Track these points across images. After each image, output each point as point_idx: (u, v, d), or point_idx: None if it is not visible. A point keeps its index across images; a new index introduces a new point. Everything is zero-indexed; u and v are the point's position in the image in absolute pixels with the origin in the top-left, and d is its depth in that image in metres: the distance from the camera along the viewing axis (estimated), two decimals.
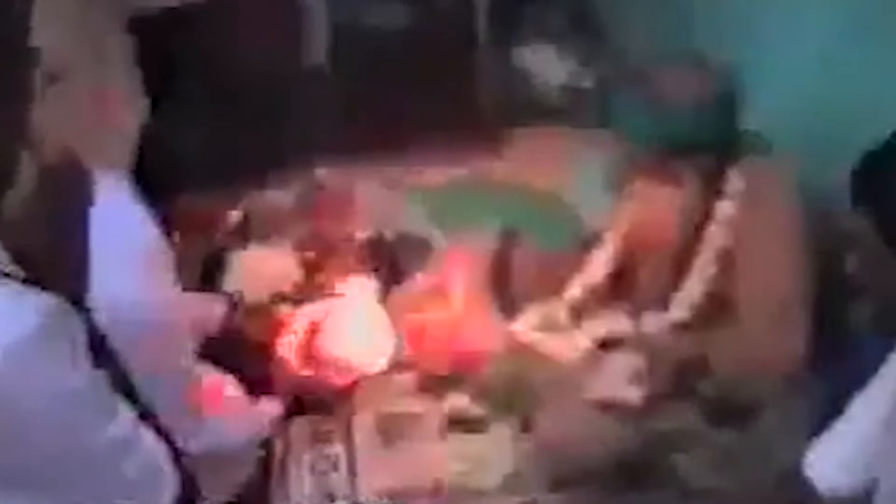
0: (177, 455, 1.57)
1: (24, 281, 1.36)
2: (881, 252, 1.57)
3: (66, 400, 1.38)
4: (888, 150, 1.68)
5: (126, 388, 1.52)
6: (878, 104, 2.53)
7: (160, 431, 1.55)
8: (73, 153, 1.46)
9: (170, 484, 1.54)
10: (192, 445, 2.02)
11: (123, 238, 1.84)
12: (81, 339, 1.41)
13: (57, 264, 1.43)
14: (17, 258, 1.38)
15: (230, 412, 2.42)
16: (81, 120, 2.43)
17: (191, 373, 2.20)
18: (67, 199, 1.44)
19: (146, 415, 1.54)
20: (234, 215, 3.07)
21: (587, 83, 4.16)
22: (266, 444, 2.56)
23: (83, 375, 1.41)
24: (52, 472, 1.40)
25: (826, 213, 2.60)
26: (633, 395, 2.50)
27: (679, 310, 2.60)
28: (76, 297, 1.43)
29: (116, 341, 1.71)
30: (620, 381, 2.53)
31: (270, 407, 2.53)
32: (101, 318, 1.71)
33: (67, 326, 1.37)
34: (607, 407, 2.51)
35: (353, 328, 2.78)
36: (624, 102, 2.50)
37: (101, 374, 1.44)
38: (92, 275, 1.71)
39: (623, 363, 2.57)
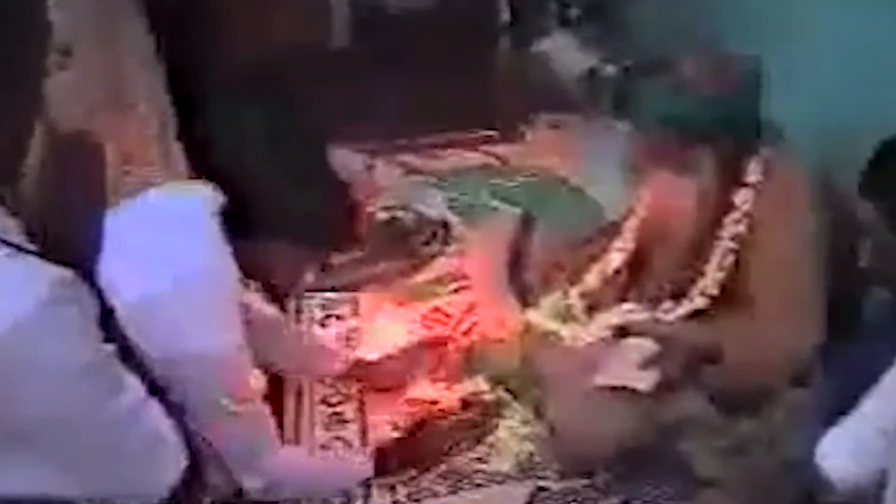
0: (185, 432, 1.58)
1: (35, 253, 1.36)
2: (892, 242, 1.57)
3: (75, 371, 1.39)
4: None
5: (134, 363, 1.52)
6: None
7: (169, 407, 1.56)
8: (85, 127, 1.47)
9: (177, 458, 1.55)
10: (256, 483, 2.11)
11: (207, 280, 1.86)
12: (91, 312, 1.41)
13: (68, 237, 1.43)
14: (29, 231, 1.39)
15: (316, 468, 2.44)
16: (93, 94, 2.43)
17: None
18: (79, 172, 1.45)
19: (154, 389, 1.55)
20: None
21: (607, 71, 4.15)
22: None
23: (92, 348, 1.42)
24: (60, 442, 1.41)
25: (841, 205, 2.60)
26: (644, 382, 2.51)
27: (696, 299, 2.60)
28: (85, 270, 1.43)
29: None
30: (632, 368, 2.53)
31: (362, 466, 2.48)
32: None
33: (77, 299, 1.38)
34: (618, 394, 2.52)
35: None
36: (644, 90, 2.50)
37: (110, 348, 1.45)
38: (179, 322, 1.79)
39: (635, 350, 2.57)
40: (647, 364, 2.53)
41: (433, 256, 3.33)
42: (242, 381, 1.98)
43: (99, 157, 1.48)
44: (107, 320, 1.44)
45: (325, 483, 2.44)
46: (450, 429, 2.63)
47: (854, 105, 2.69)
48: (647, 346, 2.58)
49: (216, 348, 1.85)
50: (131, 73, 2.61)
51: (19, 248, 1.35)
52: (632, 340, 2.62)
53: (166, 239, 1.79)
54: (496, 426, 2.68)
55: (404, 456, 2.54)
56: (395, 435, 2.63)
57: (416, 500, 2.50)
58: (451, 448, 2.61)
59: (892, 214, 1.59)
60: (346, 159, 3.64)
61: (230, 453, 1.99)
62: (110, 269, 1.53)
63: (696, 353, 2.54)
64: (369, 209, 3.51)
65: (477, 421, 2.65)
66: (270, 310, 2.56)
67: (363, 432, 2.69)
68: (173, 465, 1.54)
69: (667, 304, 2.67)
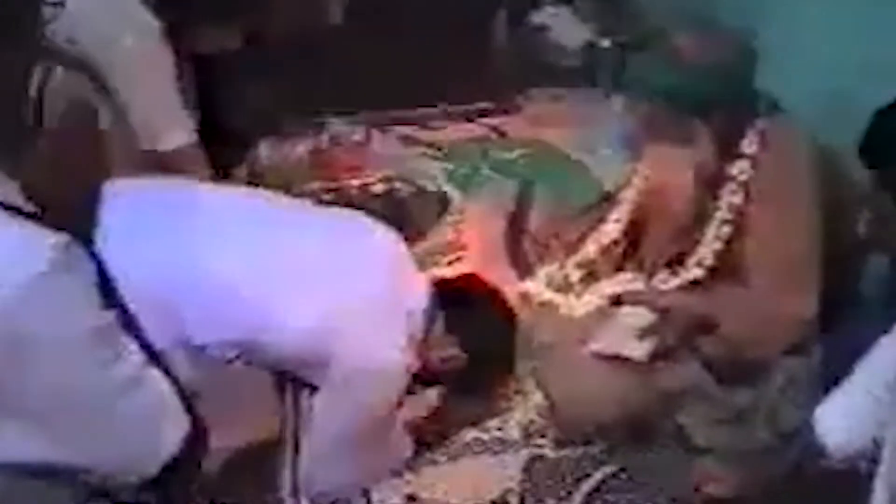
0: (186, 398, 1.58)
1: (35, 218, 1.37)
2: (891, 209, 1.57)
3: (77, 337, 1.39)
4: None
5: (134, 331, 1.53)
6: (892, 68, 2.54)
7: (169, 374, 1.56)
8: (82, 89, 1.47)
9: (178, 424, 1.55)
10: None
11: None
12: (91, 278, 1.41)
13: (68, 203, 1.44)
14: (29, 196, 1.39)
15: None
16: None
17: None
18: (78, 138, 1.44)
19: (154, 357, 1.55)
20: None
21: (604, 45, 4.15)
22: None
23: (94, 313, 1.42)
24: (62, 409, 1.41)
25: (838, 176, 2.61)
26: (640, 351, 2.52)
27: (692, 269, 2.61)
28: (85, 236, 1.44)
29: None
30: (628, 336, 2.55)
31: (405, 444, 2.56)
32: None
33: (78, 265, 1.38)
34: (615, 363, 2.53)
35: None
36: (641, 62, 2.51)
37: (111, 314, 1.45)
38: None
39: (632, 319, 2.59)
40: (642, 333, 2.55)
41: (431, 227, 3.33)
42: None
43: (94, 120, 1.47)
44: (106, 287, 1.45)
45: (380, 467, 2.50)
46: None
47: (849, 76, 2.70)
48: (644, 315, 2.59)
49: None
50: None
51: (20, 213, 1.36)
52: (628, 310, 2.64)
53: None
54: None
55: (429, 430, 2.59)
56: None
57: (415, 470, 2.52)
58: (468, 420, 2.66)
59: (890, 182, 1.59)
60: (344, 130, 3.70)
61: None
62: None
63: (692, 322, 2.55)
64: (367, 180, 3.54)
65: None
66: None
67: None
68: (175, 431, 1.54)
69: (663, 275, 2.69)
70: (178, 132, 2.55)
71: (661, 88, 2.45)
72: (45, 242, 1.34)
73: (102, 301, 1.43)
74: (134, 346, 1.48)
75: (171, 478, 1.52)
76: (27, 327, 1.34)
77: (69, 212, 1.41)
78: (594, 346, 2.57)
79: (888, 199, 1.61)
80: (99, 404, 1.44)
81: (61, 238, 1.35)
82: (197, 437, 1.56)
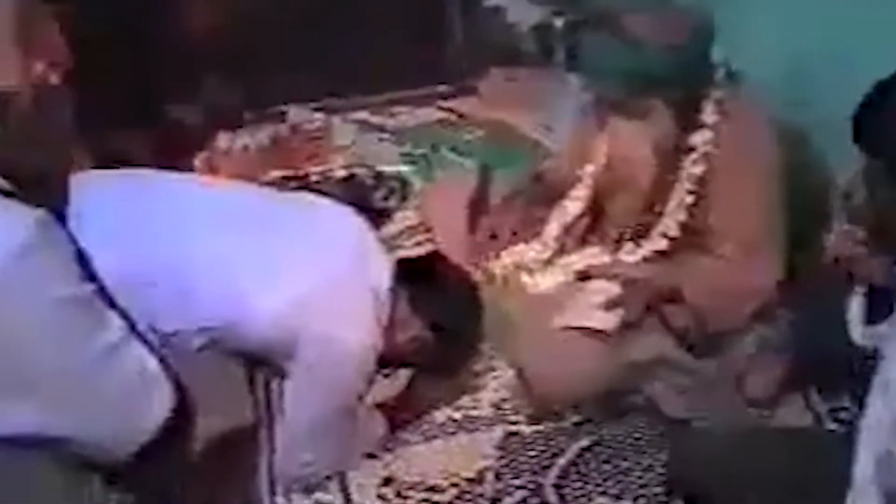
0: (172, 372, 1.58)
1: (8, 194, 1.37)
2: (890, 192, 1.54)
3: (58, 310, 1.40)
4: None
5: (112, 304, 1.53)
6: (848, 39, 2.57)
7: (150, 346, 1.56)
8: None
9: (164, 395, 1.55)
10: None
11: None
12: (68, 252, 1.42)
13: (41, 178, 1.44)
14: (3, 171, 1.39)
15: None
16: None
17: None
18: (50, 113, 1.44)
19: (135, 330, 1.55)
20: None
21: (558, 25, 4.16)
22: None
23: (75, 283, 1.42)
24: (48, 379, 1.41)
25: (798, 145, 2.64)
26: (607, 322, 2.54)
27: (655, 241, 2.63)
28: (59, 210, 1.44)
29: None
30: (595, 308, 2.56)
31: (378, 426, 2.55)
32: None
33: (57, 240, 1.39)
34: (585, 337, 2.54)
35: None
36: (596, 43, 2.51)
37: (91, 286, 1.46)
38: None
39: (597, 292, 2.61)
40: (609, 305, 2.56)
41: (394, 211, 3.34)
42: None
43: (65, 98, 1.47)
44: (82, 265, 1.45)
45: (354, 450, 2.50)
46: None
47: (806, 52, 2.73)
48: (610, 287, 2.61)
49: None
50: None
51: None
52: (594, 283, 2.65)
53: None
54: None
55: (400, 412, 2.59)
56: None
57: (390, 451, 2.52)
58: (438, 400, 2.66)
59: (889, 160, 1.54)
60: (303, 117, 3.69)
61: None
62: None
63: (659, 293, 2.57)
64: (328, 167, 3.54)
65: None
66: None
67: None
68: (161, 402, 1.54)
69: (628, 247, 2.70)
70: None
71: (618, 69, 2.46)
72: (26, 216, 1.35)
73: (81, 275, 1.44)
74: (115, 317, 1.48)
75: (159, 452, 1.52)
76: (8, 301, 1.34)
77: (41, 191, 1.41)
78: (562, 320, 2.58)
79: (886, 179, 1.56)
80: (83, 372, 1.44)
81: (41, 213, 1.37)
82: (184, 410, 1.57)
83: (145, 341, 1.55)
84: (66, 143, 1.50)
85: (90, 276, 1.47)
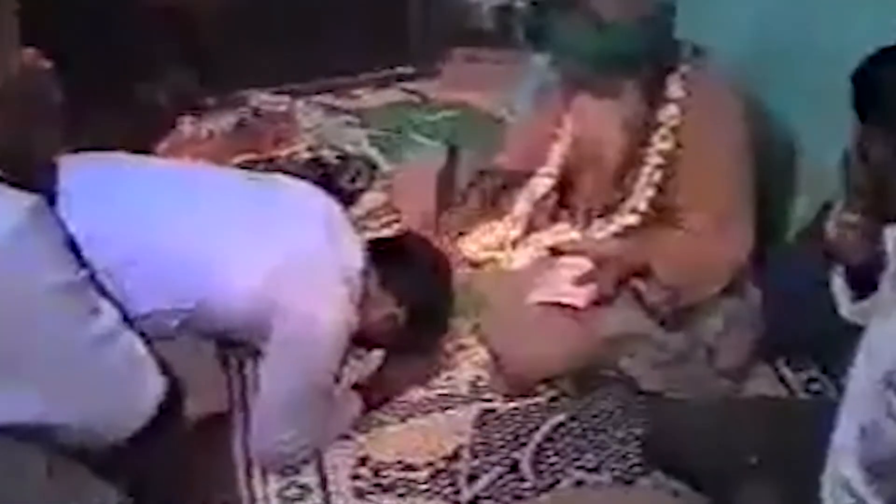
0: (161, 359, 1.58)
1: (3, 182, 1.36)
2: (890, 165, 1.54)
3: (53, 296, 1.39)
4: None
5: (104, 292, 1.52)
6: (815, 14, 2.59)
7: (142, 334, 1.56)
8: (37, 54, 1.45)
9: (155, 381, 1.55)
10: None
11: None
12: (59, 238, 1.42)
13: (29, 163, 1.43)
14: None
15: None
16: None
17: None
18: (36, 97, 1.43)
19: (125, 318, 1.54)
20: None
21: (519, 5, 4.16)
22: None
23: (65, 271, 1.42)
24: (41, 366, 1.41)
25: (763, 118, 2.66)
26: (579, 298, 2.55)
27: (626, 217, 2.64)
28: (49, 196, 1.43)
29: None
30: (567, 284, 2.58)
31: (353, 406, 2.54)
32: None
33: (45, 225, 1.39)
34: (556, 312, 2.55)
35: None
36: (566, 24, 2.51)
37: (83, 273, 1.45)
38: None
39: (569, 268, 2.62)
40: (581, 281, 2.58)
41: (361, 192, 3.33)
42: None
43: (52, 81, 1.46)
44: (72, 248, 1.44)
45: (329, 430, 2.49)
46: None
47: (776, 24, 2.75)
48: (581, 264, 2.62)
49: None
50: None
51: None
52: (565, 260, 2.67)
53: None
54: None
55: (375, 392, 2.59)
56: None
57: (366, 432, 2.52)
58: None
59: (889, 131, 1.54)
60: (267, 102, 3.67)
61: None
62: None
63: (629, 268, 2.59)
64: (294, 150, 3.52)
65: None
66: None
67: None
68: (152, 389, 1.54)
69: (598, 223, 2.72)
70: None
71: (588, 49, 2.47)
72: (20, 202, 1.35)
73: (74, 261, 1.43)
74: (107, 304, 1.48)
75: (148, 438, 1.52)
76: (3, 284, 1.34)
77: (32, 176, 1.40)
78: (534, 297, 2.59)
79: (886, 150, 1.55)
80: (79, 359, 1.45)
81: (34, 199, 1.37)
82: (175, 394, 1.57)
83: (133, 326, 1.55)
84: (56, 128, 1.49)
85: (81, 262, 1.46)
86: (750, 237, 2.57)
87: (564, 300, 2.55)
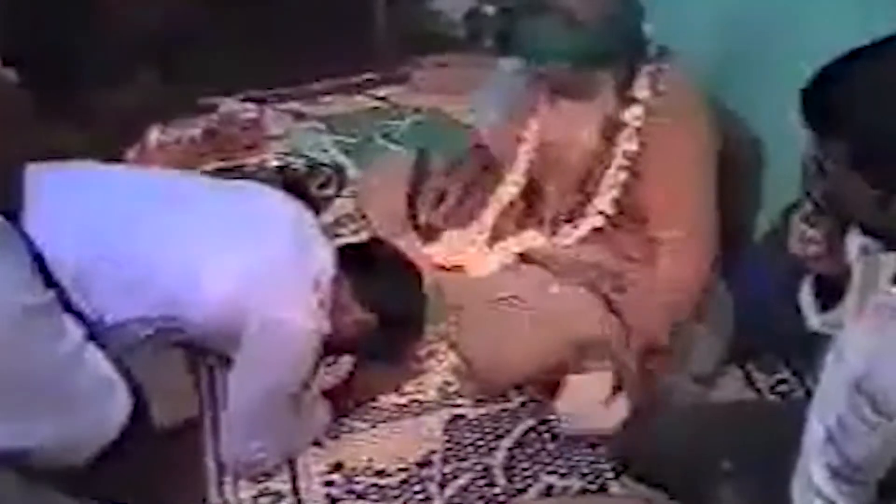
0: (127, 375, 1.57)
1: None
2: (847, 177, 1.53)
3: (22, 312, 1.38)
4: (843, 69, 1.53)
5: (70, 310, 1.51)
6: (782, 17, 2.61)
7: (115, 345, 1.56)
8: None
9: (122, 397, 1.54)
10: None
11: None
12: (26, 259, 1.40)
13: None
14: None
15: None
16: None
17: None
18: (2, 111, 1.42)
19: (91, 336, 1.54)
20: None
21: (488, 11, 4.17)
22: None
23: (36, 294, 1.41)
24: (9, 389, 1.40)
25: (733, 120, 2.68)
26: (548, 300, 2.57)
27: (591, 219, 2.66)
28: (13, 217, 1.42)
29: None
30: (535, 288, 2.59)
31: (324, 412, 2.55)
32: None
33: (16, 244, 1.37)
34: (527, 319, 2.56)
35: None
36: (538, 27, 2.52)
37: (51, 292, 1.44)
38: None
39: (537, 272, 2.64)
40: (548, 285, 2.59)
41: (330, 199, 3.33)
42: None
43: (21, 98, 1.45)
44: (41, 268, 1.43)
45: (301, 436, 2.50)
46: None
47: (741, 27, 2.77)
48: (549, 268, 2.65)
49: None
50: None
51: None
52: (533, 265, 2.68)
53: None
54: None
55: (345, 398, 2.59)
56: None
57: (337, 438, 2.52)
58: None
59: (846, 146, 1.53)
60: (236, 109, 3.66)
61: None
62: None
63: (597, 271, 2.60)
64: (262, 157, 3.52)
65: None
66: None
67: None
68: (120, 405, 1.53)
69: (565, 228, 2.73)
70: None
71: (561, 49, 2.48)
72: None
73: (42, 281, 1.42)
74: (71, 323, 1.47)
75: (116, 452, 1.51)
76: None
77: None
78: (502, 298, 2.60)
79: (843, 165, 1.55)
80: (45, 381, 1.43)
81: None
82: (139, 413, 1.56)
83: (97, 343, 1.54)
84: (24, 141, 1.47)
85: (48, 280, 1.45)
86: (715, 241, 2.58)
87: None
